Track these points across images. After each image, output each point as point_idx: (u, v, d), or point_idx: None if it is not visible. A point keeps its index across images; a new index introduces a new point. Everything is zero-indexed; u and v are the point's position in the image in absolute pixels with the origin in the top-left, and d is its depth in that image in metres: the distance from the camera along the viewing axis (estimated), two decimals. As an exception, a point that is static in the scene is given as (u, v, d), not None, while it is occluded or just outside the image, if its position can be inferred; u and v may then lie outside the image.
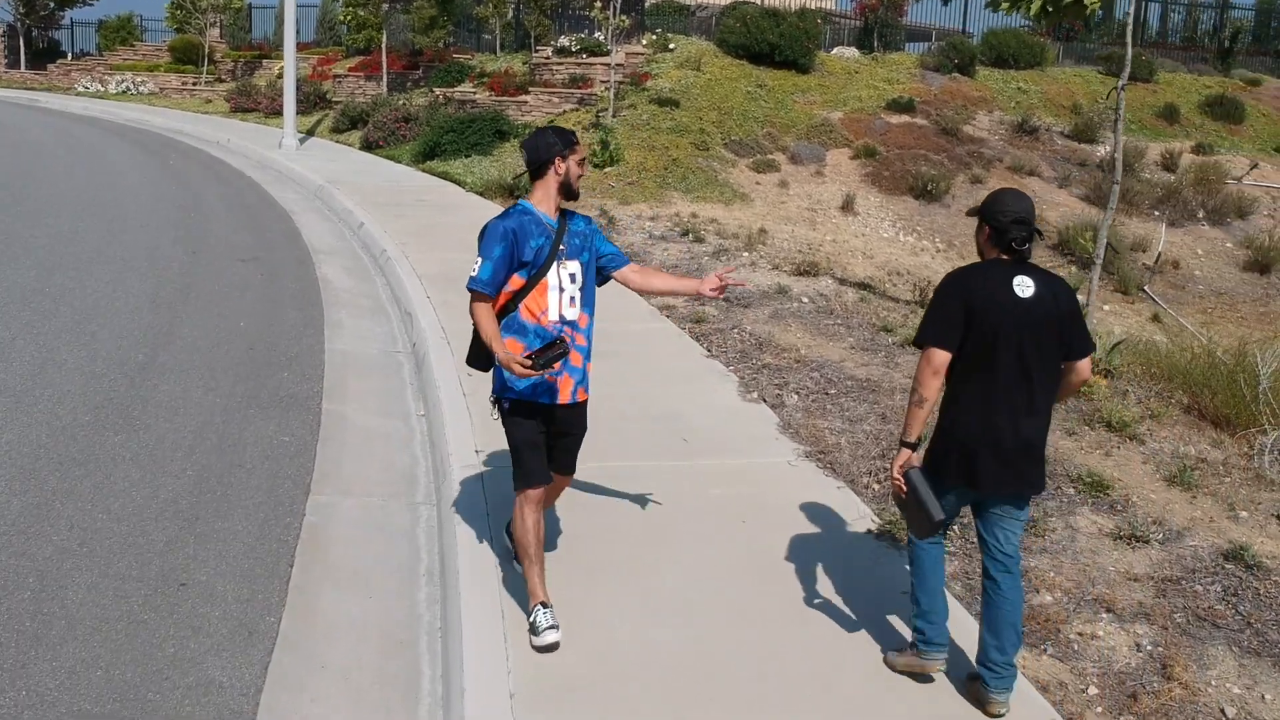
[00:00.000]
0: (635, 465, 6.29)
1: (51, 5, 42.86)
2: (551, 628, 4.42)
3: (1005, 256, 4.06)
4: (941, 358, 4.01)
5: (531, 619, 4.47)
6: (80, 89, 36.75)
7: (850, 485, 6.17)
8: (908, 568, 4.42)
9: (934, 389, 4.04)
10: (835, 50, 25.62)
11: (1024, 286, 3.98)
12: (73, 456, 6.21)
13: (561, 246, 4.51)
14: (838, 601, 4.89)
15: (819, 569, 5.15)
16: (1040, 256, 17.15)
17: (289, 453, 6.55)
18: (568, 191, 4.55)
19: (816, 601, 4.88)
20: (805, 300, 10.37)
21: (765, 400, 7.50)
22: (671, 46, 23.57)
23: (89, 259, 11.07)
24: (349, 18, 28.94)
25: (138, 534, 5.36)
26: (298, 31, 40.28)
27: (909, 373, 8.10)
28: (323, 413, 7.27)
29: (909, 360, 8.43)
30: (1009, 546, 4.15)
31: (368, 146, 22.36)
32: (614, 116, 19.67)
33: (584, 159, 4.61)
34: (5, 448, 6.24)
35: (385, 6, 27.43)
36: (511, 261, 4.45)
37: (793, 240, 15.32)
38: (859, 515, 5.71)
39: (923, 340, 4.06)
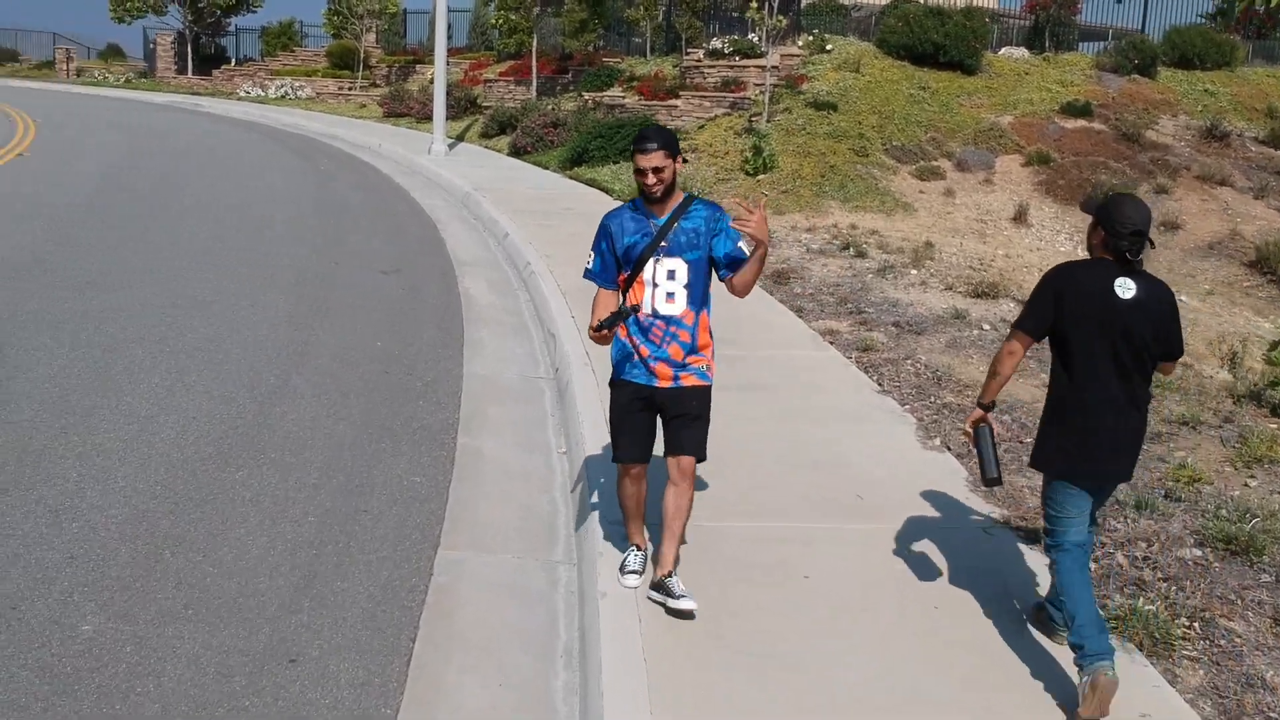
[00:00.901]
0: (801, 527, 5.49)
1: (218, 12, 44.19)
2: (634, 572, 4.75)
3: (1111, 258, 4.13)
4: (1018, 344, 4.26)
5: (623, 559, 4.84)
6: (242, 94, 37.70)
7: (1059, 560, 5.24)
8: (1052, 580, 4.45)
9: (1009, 367, 4.30)
10: (1003, 50, 24.23)
11: (1125, 288, 4.07)
12: (190, 496, 5.73)
13: (663, 243, 4.58)
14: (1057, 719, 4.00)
15: (1031, 674, 4.27)
16: (1234, 274, 15.67)
17: (419, 495, 5.95)
18: (643, 193, 4.62)
19: (1033, 720, 4.01)
20: (986, 327, 9.38)
21: (949, 448, 6.60)
22: (829, 48, 22.59)
23: (229, 271, 10.80)
24: (500, 21, 28.82)
25: (249, 594, 4.81)
26: (449, 36, 40.69)
27: (1115, 418, 7.09)
28: (457, 448, 6.67)
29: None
30: (1092, 516, 4.35)
31: (516, 152, 22.03)
32: (768, 121, 18.83)
33: (650, 167, 4.50)
34: (122, 485, 5.80)
35: (536, 10, 27.16)
36: (612, 255, 4.71)
37: (962, 255, 14.24)
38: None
39: (1016, 323, 4.31)
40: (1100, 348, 4.08)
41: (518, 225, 13.76)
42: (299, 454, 6.39)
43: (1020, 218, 16.56)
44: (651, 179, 4.51)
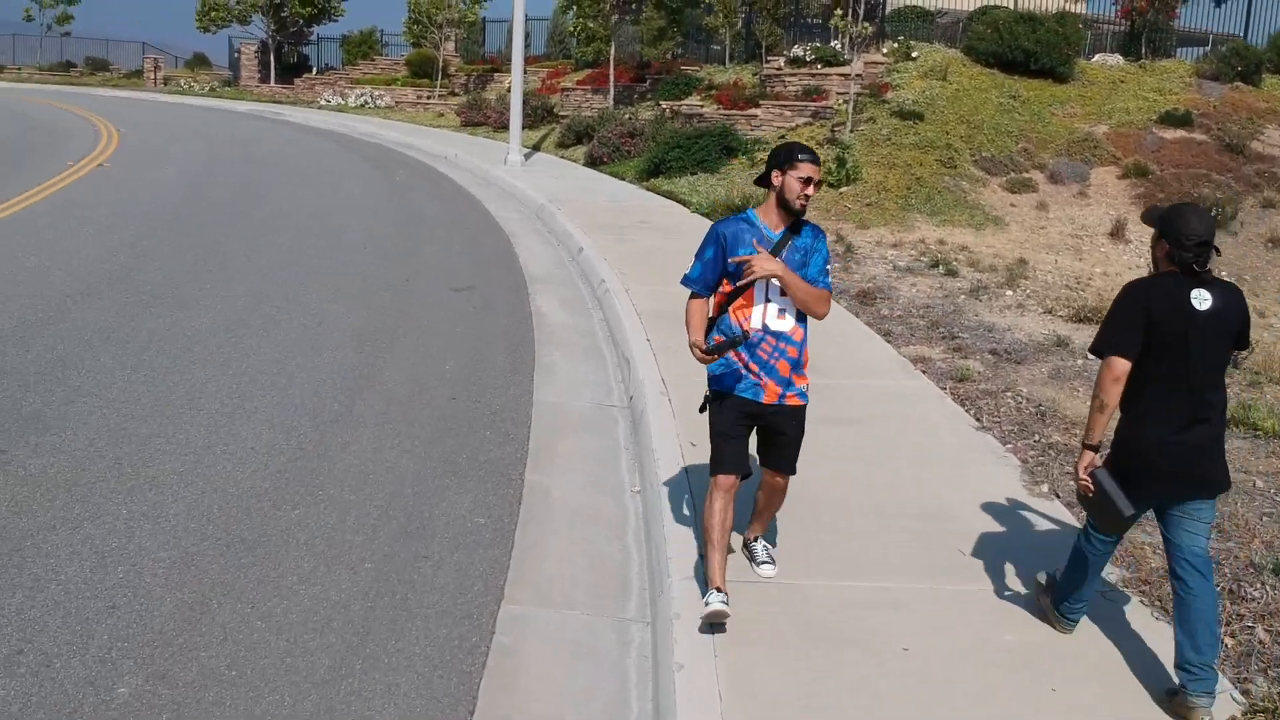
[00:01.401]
0: (897, 588, 4.99)
1: (300, 22, 44.66)
2: (721, 606, 4.42)
3: (1179, 270, 4.08)
4: (1122, 366, 4.10)
5: (705, 599, 4.50)
6: (322, 102, 37.99)
7: (1189, 633, 4.68)
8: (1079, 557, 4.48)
9: (1115, 395, 4.13)
10: (1097, 58, 23.34)
11: (1201, 299, 4.04)
12: (242, 537, 5.41)
13: (779, 257, 4.57)
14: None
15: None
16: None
17: (483, 540, 5.57)
18: (785, 206, 4.58)
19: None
20: (1092, 356, 8.76)
21: (1059, 496, 6.05)
22: (914, 55, 21.92)
23: (301, 285, 10.57)
24: (578, 29, 28.58)
25: (297, 652, 4.45)
26: (527, 45, 40.63)
27: (1240, 464, 6.47)
28: (525, 485, 6.28)
29: (1238, 446, 6.77)
30: (1196, 547, 4.16)
31: (592, 162, 21.71)
32: (851, 131, 18.26)
33: (810, 178, 4.54)
34: (172, 524, 5.50)
35: (615, 18, 26.85)
36: (720, 264, 4.66)
37: (1057, 272, 13.57)
38: (1221, 688, 4.22)
39: (1101, 348, 4.17)
40: (1180, 361, 4.06)
41: (592, 240, 13.39)
42: (359, 490, 6.05)
43: (1117, 233, 15.79)
44: (810, 190, 4.55)
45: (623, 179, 19.74)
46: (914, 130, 18.36)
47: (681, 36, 29.72)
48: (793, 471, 4.91)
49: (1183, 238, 4.03)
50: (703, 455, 5.21)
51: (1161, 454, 4.09)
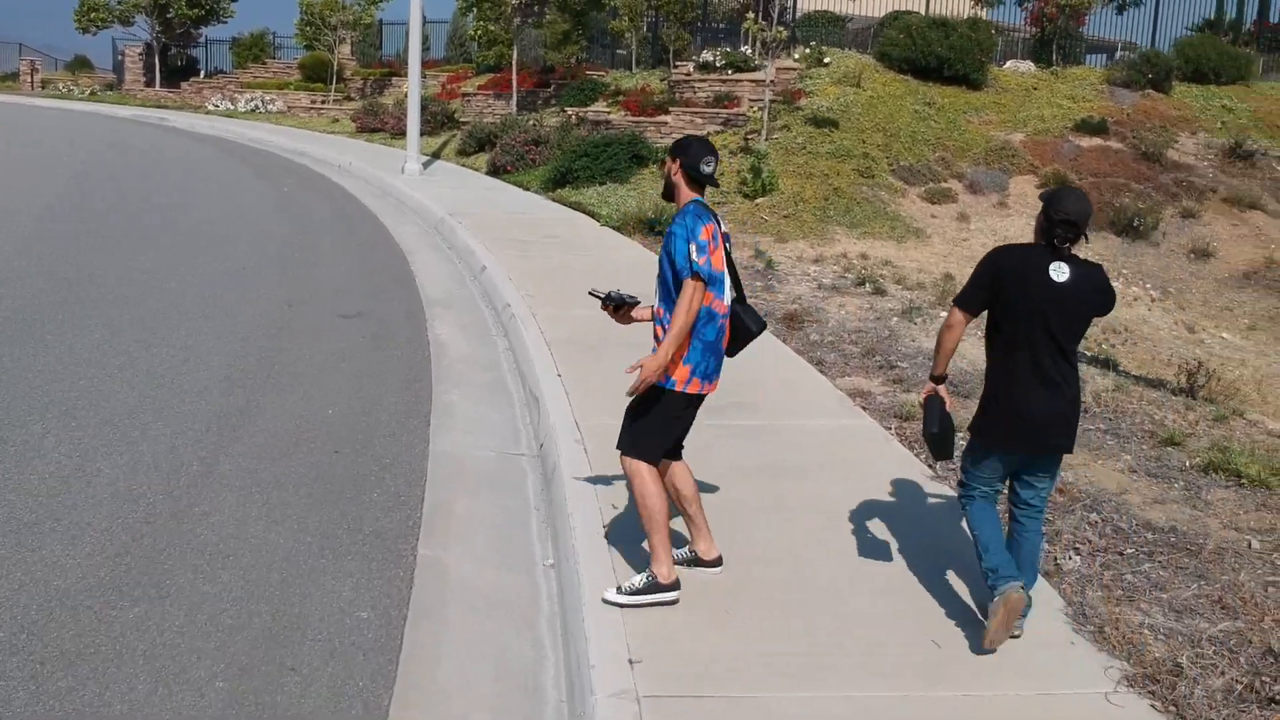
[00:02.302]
0: (882, 698, 4.14)
1: (187, 23, 42.70)
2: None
3: (1047, 245, 4.33)
4: (957, 317, 4.47)
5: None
6: (210, 107, 36.26)
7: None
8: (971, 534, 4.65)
9: (950, 341, 4.54)
10: (1008, 64, 23.05)
11: (1060, 272, 4.28)
12: (63, 649, 4.36)
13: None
14: None
15: None
16: (1275, 306, 14.46)
17: (365, 642, 4.60)
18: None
19: None
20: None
21: (1049, 571, 5.28)
22: (827, 61, 21.35)
23: (168, 314, 9.42)
24: (479, 32, 27.51)
25: (115, 824, 3.45)
26: (427, 48, 39.35)
27: (1227, 519, 5.79)
28: (418, 563, 5.32)
29: (1221, 496, 6.10)
30: (1038, 500, 4.59)
31: (494, 171, 20.70)
32: (766, 139, 17.55)
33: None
34: (-30, 635, 4.43)
35: (516, 21, 25.85)
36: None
37: (984, 288, 12.95)
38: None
39: (956, 299, 4.51)
40: (1033, 327, 4.31)
41: (495, 256, 12.42)
42: (215, 577, 5.03)
43: (1041, 245, 15.28)
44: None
45: (527, 189, 18.77)
46: (829, 138, 17.75)
47: (586, 41, 28.80)
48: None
49: (1053, 212, 4.31)
50: (629, 519, 4.68)
51: (1014, 415, 4.39)
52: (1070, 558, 5.31)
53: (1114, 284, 14.97)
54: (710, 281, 4.52)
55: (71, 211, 14.33)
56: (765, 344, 9.19)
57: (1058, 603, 4.91)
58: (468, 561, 5.43)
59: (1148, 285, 14.84)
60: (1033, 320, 4.29)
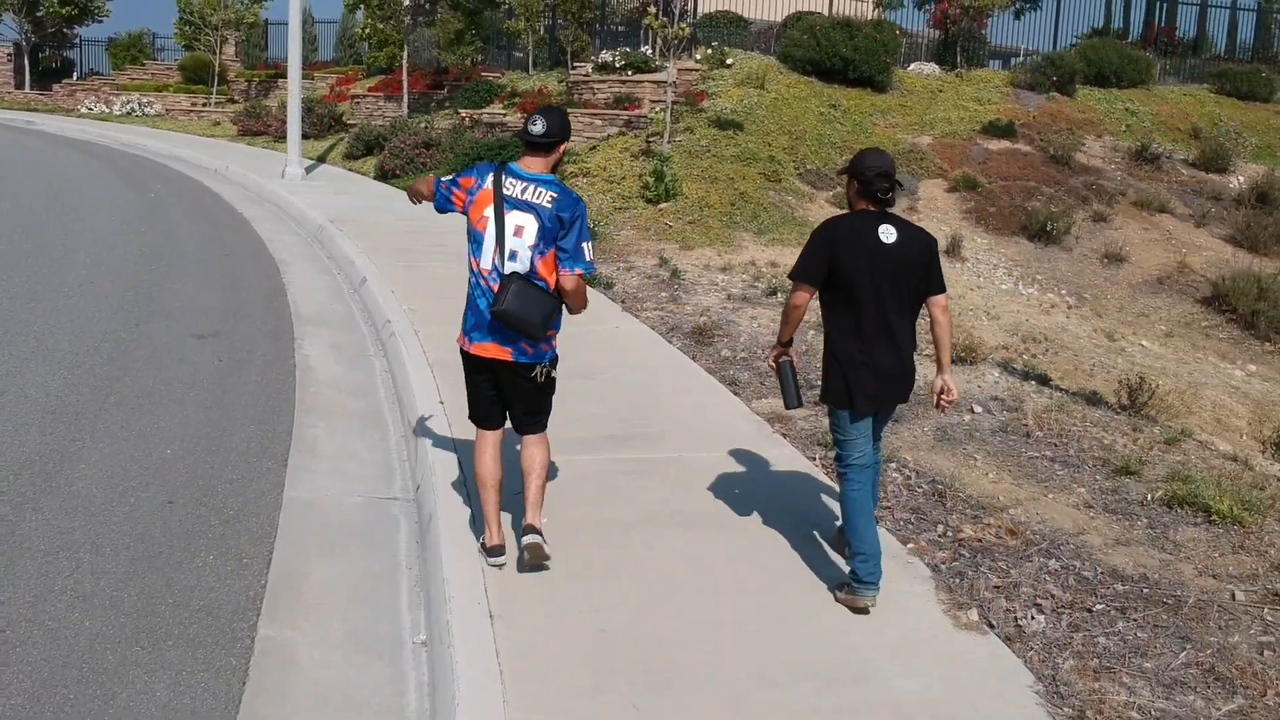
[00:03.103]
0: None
1: (59, 22, 40.46)
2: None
3: (872, 208, 4.59)
4: (803, 295, 4.67)
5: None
6: (84, 110, 34.28)
7: None
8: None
9: (796, 315, 4.76)
10: (913, 67, 22.64)
11: (887, 234, 4.53)
12: None
13: None
14: None
15: None
16: (1190, 312, 14.11)
17: (176, 763, 3.60)
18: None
19: None
20: (977, 408, 7.36)
21: (991, 624, 4.50)
22: (729, 62, 20.67)
23: (-10, 337, 8.22)
24: (368, 30, 26.27)
25: None
26: (315, 49, 37.86)
27: (1202, 564, 5.09)
28: (256, 648, 4.33)
29: (1191, 536, 5.40)
30: (875, 435, 4.82)
31: (383, 175, 19.58)
32: (669, 142, 16.75)
33: None
34: None
35: (408, 20, 24.69)
36: None
37: (900, 297, 12.31)
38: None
39: (793, 275, 4.69)
40: (870, 289, 4.48)
41: (378, 268, 11.38)
42: (-10, 679, 3.98)
43: (953, 251, 14.76)
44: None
45: (418, 195, 17.69)
46: (734, 141, 17.01)
47: (482, 41, 27.73)
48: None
49: (865, 170, 4.53)
50: (518, 586, 4.25)
51: (874, 374, 4.54)
52: (1033, 617, 4.54)
53: (1029, 290, 14.47)
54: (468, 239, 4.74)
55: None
56: (672, 360, 8.35)
57: (1025, 677, 4.13)
58: (319, 645, 4.45)
59: (1063, 291, 14.37)
60: (871, 281, 4.47)
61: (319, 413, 7.21)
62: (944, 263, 14.28)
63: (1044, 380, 8.40)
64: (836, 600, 4.60)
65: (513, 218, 4.54)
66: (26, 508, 5.40)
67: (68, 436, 6.38)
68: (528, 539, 4.68)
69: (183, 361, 8.03)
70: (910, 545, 5.22)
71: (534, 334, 4.56)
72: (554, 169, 4.70)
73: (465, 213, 4.69)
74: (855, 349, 4.54)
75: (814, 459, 6.37)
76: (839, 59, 20.04)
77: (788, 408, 4.95)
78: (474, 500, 5.31)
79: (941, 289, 4.69)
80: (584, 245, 4.59)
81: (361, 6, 25.82)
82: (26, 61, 39.76)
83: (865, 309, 4.49)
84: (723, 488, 5.83)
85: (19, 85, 39.62)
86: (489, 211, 4.57)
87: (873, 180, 4.50)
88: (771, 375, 5.25)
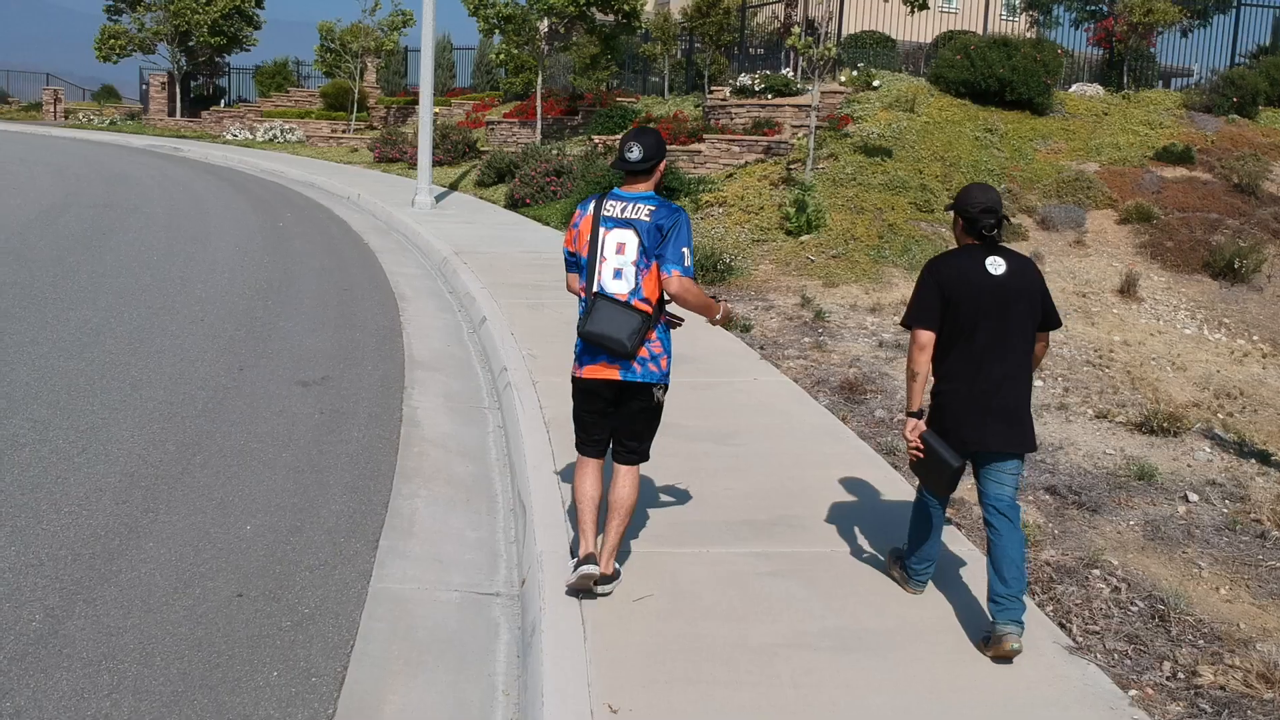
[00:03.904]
0: None
1: (210, 51, 41.54)
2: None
3: (977, 242, 4.47)
4: (926, 337, 4.45)
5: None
6: (229, 136, 34.97)
7: None
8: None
9: (924, 364, 4.49)
10: (1075, 88, 21.12)
11: (995, 265, 4.41)
12: None
13: None
14: None
15: None
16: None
17: None
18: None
19: None
20: (1192, 495, 6.14)
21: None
22: (876, 84, 19.54)
23: (85, 383, 7.70)
24: (503, 56, 25.91)
25: None
26: (454, 75, 37.95)
27: None
28: (311, 810, 3.49)
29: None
30: (1004, 497, 4.45)
31: (513, 204, 19.02)
32: (811, 170, 15.71)
33: None
34: None
35: (544, 46, 24.21)
36: None
37: (1072, 343, 11.07)
38: None
39: (909, 322, 4.54)
40: (978, 323, 4.38)
41: (499, 307, 10.65)
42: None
43: (1128, 290, 13.36)
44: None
45: (547, 224, 17.06)
46: (882, 168, 15.89)
47: (617, 66, 27.16)
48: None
49: (969, 207, 4.47)
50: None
51: (969, 412, 4.41)
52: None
53: (1216, 335, 12.95)
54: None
55: (17, 254, 12.69)
56: (819, 425, 7.33)
57: None
58: (387, 806, 3.59)
59: (1255, 337, 12.82)
60: (980, 316, 4.36)
61: (421, 479, 6.42)
62: (1118, 303, 12.99)
63: (1265, 457, 7.09)
64: (889, 573, 4.96)
65: (613, 236, 4.57)
66: (78, 598, 4.71)
67: (141, 506, 5.71)
68: (586, 568, 4.54)
69: (281, 414, 7.36)
70: (1133, 692, 4.10)
71: (622, 352, 4.49)
72: (657, 187, 4.73)
73: (575, 247, 4.75)
74: (961, 385, 4.43)
75: (996, 559, 5.28)
76: (995, 80, 18.74)
77: (950, 475, 4.45)
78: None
79: (1055, 324, 4.55)
80: (683, 250, 4.55)
81: (498, 32, 25.47)
82: (178, 89, 40.91)
83: (973, 344, 4.39)
84: (887, 596, 4.80)
85: (171, 113, 40.81)
86: (590, 239, 4.63)
87: (978, 217, 4.43)
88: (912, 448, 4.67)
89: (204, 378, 8.06)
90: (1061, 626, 4.62)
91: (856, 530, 5.56)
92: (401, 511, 5.92)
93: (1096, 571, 5.11)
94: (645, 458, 4.80)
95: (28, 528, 5.34)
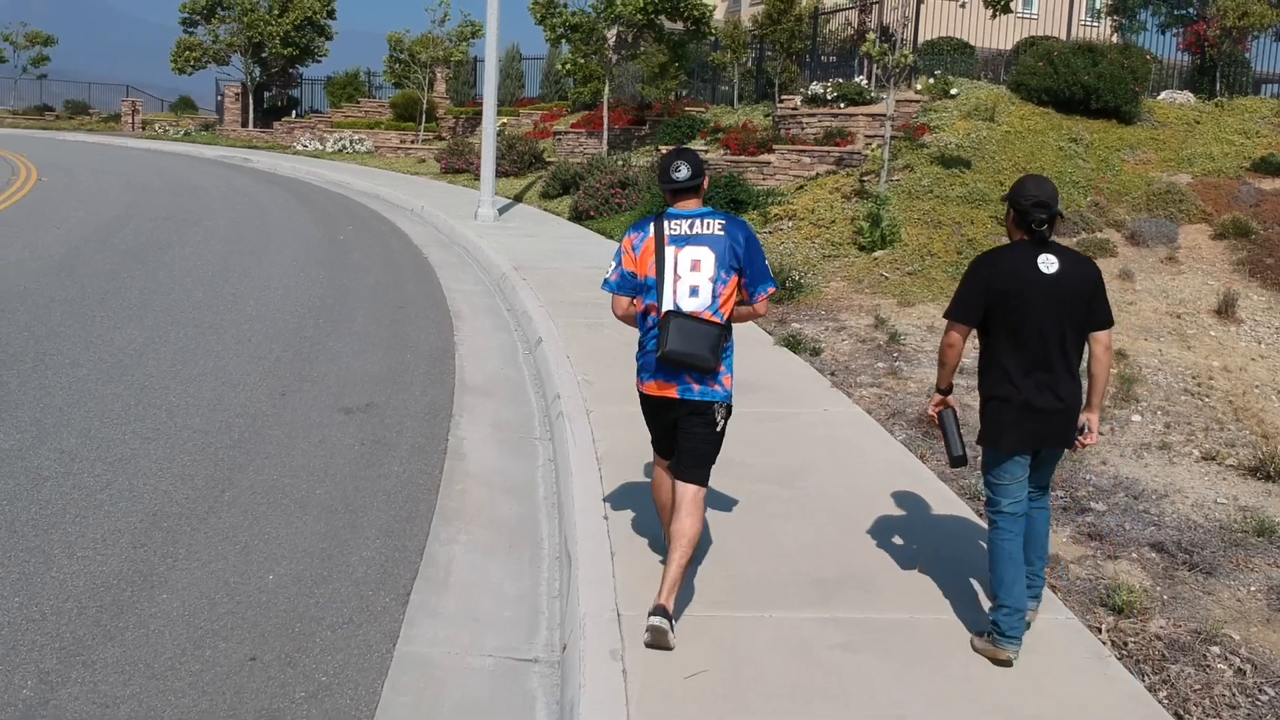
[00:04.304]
0: None
1: (283, 62, 41.87)
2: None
3: (1027, 237, 4.37)
4: (958, 334, 4.45)
5: None
6: (299, 147, 35.12)
7: None
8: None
9: (951, 356, 4.52)
10: (1163, 95, 20.17)
11: (1048, 264, 4.32)
12: None
13: None
14: None
15: None
16: None
17: None
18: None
19: None
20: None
21: None
22: (954, 92, 18.80)
23: (120, 408, 7.37)
24: (570, 66, 25.54)
25: None
26: (522, 85, 37.72)
27: None
28: None
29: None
30: (1042, 481, 4.59)
31: (577, 216, 18.60)
32: (886, 182, 15.06)
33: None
34: None
35: (611, 55, 23.81)
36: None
37: (1167, 369, 10.32)
38: None
39: (948, 314, 4.51)
40: (1028, 322, 4.30)
41: (556, 327, 10.18)
42: None
43: (1226, 311, 12.52)
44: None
45: (611, 237, 16.59)
46: (960, 180, 15.18)
47: (686, 75, 26.66)
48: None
49: (1021, 199, 4.35)
50: None
51: (1021, 418, 4.33)
52: None
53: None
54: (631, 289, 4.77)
55: (70, 269, 12.51)
56: (894, 464, 6.74)
57: None
58: None
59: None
60: (1029, 315, 4.29)
61: (461, 521, 5.95)
62: (1215, 325, 12.16)
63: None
64: (974, 649, 4.37)
65: (686, 253, 4.57)
66: (77, 660, 4.30)
67: (160, 551, 5.31)
68: (654, 620, 4.29)
69: (320, 445, 6.95)
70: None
71: (707, 365, 4.46)
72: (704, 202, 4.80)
73: (636, 269, 4.70)
74: (1010, 386, 4.36)
75: (1100, 632, 4.66)
76: (1080, 87, 17.89)
77: (952, 465, 4.69)
78: (632, 642, 3.89)
79: (1107, 323, 4.42)
80: (765, 264, 4.67)
81: (565, 41, 25.13)
82: (251, 101, 41.29)
83: (1023, 343, 4.33)
84: (975, 674, 4.21)
85: (244, 124, 41.21)
86: (655, 259, 4.61)
87: (1029, 210, 4.33)
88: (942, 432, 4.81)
89: (244, 404, 7.69)
90: (1178, 718, 4.00)
91: (939, 591, 4.98)
92: (438, 560, 5.45)
93: (1215, 649, 4.47)
94: (704, 483, 4.66)
95: (36, 574, 4.96)
